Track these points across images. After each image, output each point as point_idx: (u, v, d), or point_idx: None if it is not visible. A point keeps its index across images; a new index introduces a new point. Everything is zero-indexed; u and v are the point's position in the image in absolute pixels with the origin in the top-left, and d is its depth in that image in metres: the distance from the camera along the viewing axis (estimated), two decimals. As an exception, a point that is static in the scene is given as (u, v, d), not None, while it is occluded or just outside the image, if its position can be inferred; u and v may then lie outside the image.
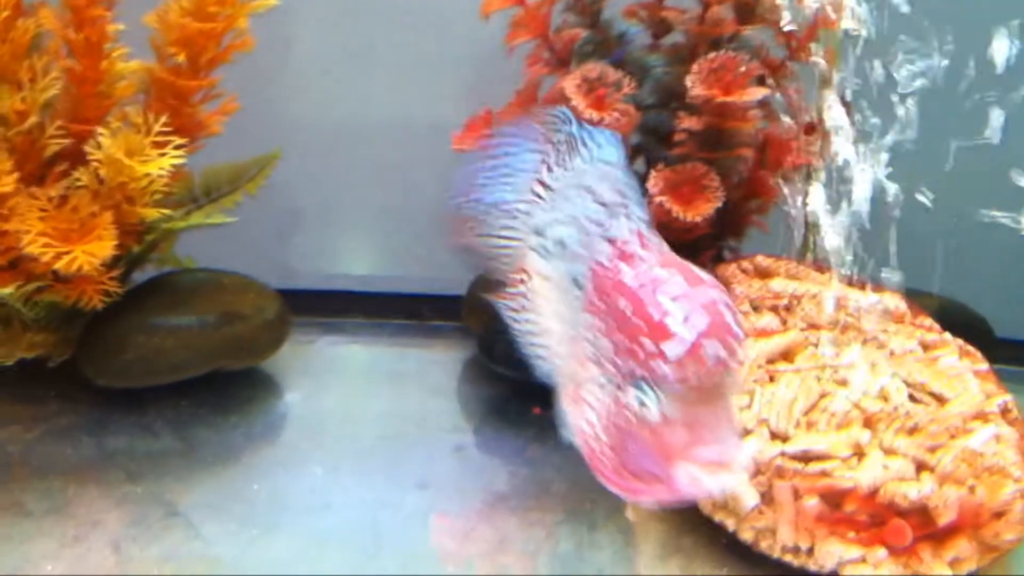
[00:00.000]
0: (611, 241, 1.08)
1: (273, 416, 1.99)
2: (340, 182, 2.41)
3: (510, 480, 1.85)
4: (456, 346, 2.26)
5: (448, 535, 1.69)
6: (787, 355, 1.80)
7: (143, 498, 1.71)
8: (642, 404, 0.95)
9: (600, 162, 1.12)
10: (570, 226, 1.13)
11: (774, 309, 1.90)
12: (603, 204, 1.10)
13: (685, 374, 0.94)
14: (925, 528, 1.58)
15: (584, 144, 1.14)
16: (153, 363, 1.93)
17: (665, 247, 1.06)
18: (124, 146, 1.71)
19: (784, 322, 1.86)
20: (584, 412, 1.02)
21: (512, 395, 2.08)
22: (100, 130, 1.72)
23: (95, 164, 1.72)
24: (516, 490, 1.83)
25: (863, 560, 1.56)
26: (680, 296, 0.97)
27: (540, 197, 1.19)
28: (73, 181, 1.75)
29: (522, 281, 1.25)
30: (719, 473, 0.94)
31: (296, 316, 2.15)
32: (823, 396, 1.69)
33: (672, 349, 0.95)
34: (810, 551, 1.57)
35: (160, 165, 1.71)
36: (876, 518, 1.57)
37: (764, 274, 2.01)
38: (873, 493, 1.57)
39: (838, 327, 1.84)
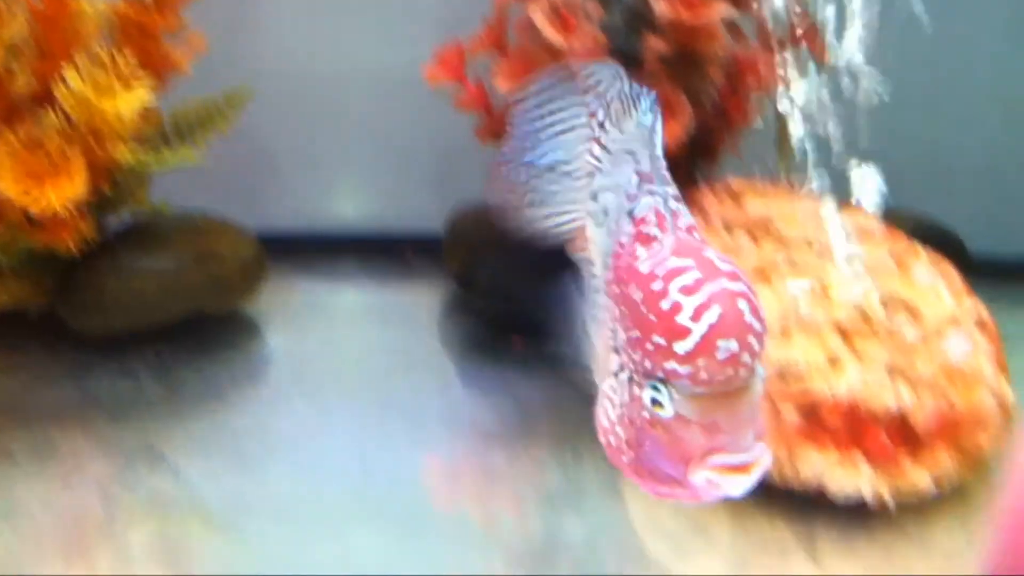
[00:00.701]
0: (633, 219, 1.00)
1: (255, 357, 2.00)
2: (317, 124, 2.40)
3: (495, 412, 1.86)
4: (438, 286, 2.26)
5: (434, 466, 1.70)
6: (762, 273, 1.81)
7: (127, 440, 1.71)
8: (656, 403, 0.90)
9: (642, 127, 1.04)
10: (614, 194, 1.04)
11: (748, 230, 1.91)
12: (640, 173, 1.01)
13: (697, 372, 0.87)
14: (903, 437, 1.59)
15: (633, 105, 1.05)
16: (131, 307, 1.93)
17: (684, 224, 0.97)
18: (92, 85, 1.70)
19: (758, 241, 1.86)
20: (604, 404, 0.95)
21: (494, 330, 2.09)
22: (67, 69, 1.71)
23: (63, 104, 1.71)
24: (501, 422, 1.85)
25: (842, 470, 1.58)
26: (693, 288, 0.89)
27: (597, 158, 1.09)
28: (42, 122, 1.75)
29: (584, 250, 1.12)
30: (737, 476, 0.88)
31: (275, 260, 2.15)
32: (798, 310, 1.70)
33: (682, 345, 0.88)
34: (789, 462, 1.58)
35: (129, 103, 1.70)
36: (854, 428, 1.59)
37: (738, 196, 2.01)
38: (850, 403, 1.58)
39: (811, 244, 1.85)
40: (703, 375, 0.87)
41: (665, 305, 0.90)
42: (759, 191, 2.03)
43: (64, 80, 1.73)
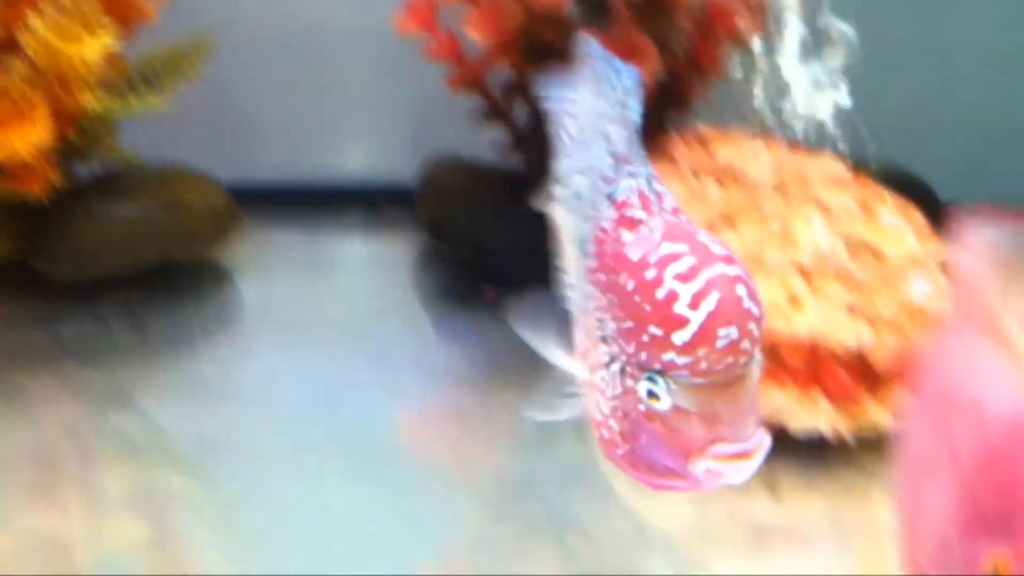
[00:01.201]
0: (613, 202, 0.94)
1: (226, 304, 2.01)
2: (291, 76, 2.41)
3: (466, 358, 1.88)
4: (411, 236, 2.27)
5: (404, 408, 1.72)
6: (728, 218, 1.82)
7: (96, 383, 1.73)
8: (652, 395, 0.85)
9: (619, 104, 0.97)
10: (587, 177, 0.97)
11: (716, 176, 1.92)
12: (615, 155, 0.95)
13: (697, 363, 0.83)
14: (863, 375, 1.61)
15: (609, 82, 0.98)
16: (100, 254, 1.95)
17: (670, 206, 0.92)
18: (57, 31, 1.70)
19: (725, 187, 1.88)
20: (594, 396, 0.90)
21: (465, 277, 2.10)
22: (32, 16, 1.71)
23: (28, 50, 1.72)
24: (472, 367, 1.87)
25: (802, 407, 1.59)
26: (689, 275, 0.83)
27: (562, 140, 1.04)
28: (7, 69, 1.75)
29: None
30: (739, 464, 0.84)
31: (249, 211, 2.16)
32: (761, 251, 1.71)
33: (680, 336, 0.82)
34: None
35: (94, 49, 1.71)
36: (814, 366, 1.60)
37: (707, 143, 2.02)
38: (811, 342, 1.60)
39: (778, 189, 1.86)
40: (703, 365, 0.83)
41: (660, 294, 0.84)
42: (729, 139, 2.04)
43: (29, 27, 1.73)
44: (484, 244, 2.14)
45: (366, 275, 2.13)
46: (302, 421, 1.67)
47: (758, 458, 0.85)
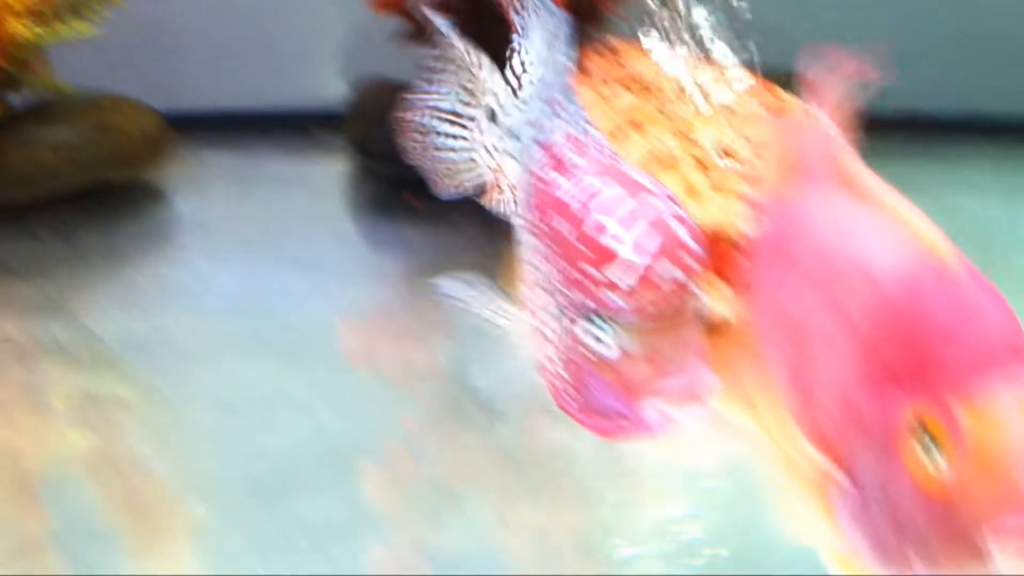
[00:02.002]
0: (545, 147, 0.91)
1: (159, 220, 2.08)
2: (222, 5, 2.46)
3: (389, 261, 1.96)
4: (341, 157, 2.34)
5: (324, 306, 1.79)
6: (635, 122, 1.90)
7: (31, 296, 1.79)
8: (597, 340, 0.82)
9: (555, 50, 0.94)
10: (534, 128, 0.94)
11: (625, 84, 1.99)
12: (549, 102, 0.91)
13: (640, 304, 0.80)
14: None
15: (543, 21, 0.95)
16: (33, 176, 2.01)
17: (603, 147, 0.89)
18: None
19: (634, 94, 1.95)
20: (544, 346, 0.88)
21: (391, 191, 2.17)
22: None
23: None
24: (394, 269, 1.94)
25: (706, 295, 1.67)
26: (624, 213, 0.81)
27: (514, 89, 0.98)
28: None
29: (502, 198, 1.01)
30: (688, 404, 0.82)
31: (182, 136, 2.22)
32: (664, 149, 1.79)
33: (622, 278, 0.80)
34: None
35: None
36: (714, 255, 1.68)
37: (619, 54, 2.09)
38: (711, 231, 1.67)
39: (684, 95, 1.93)
40: (645, 305, 0.80)
41: (596, 235, 0.81)
42: (639, 50, 2.10)
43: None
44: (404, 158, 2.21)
45: (298, 192, 2.20)
46: (230, 322, 1.74)
47: (707, 399, 0.83)
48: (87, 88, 2.19)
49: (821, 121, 0.90)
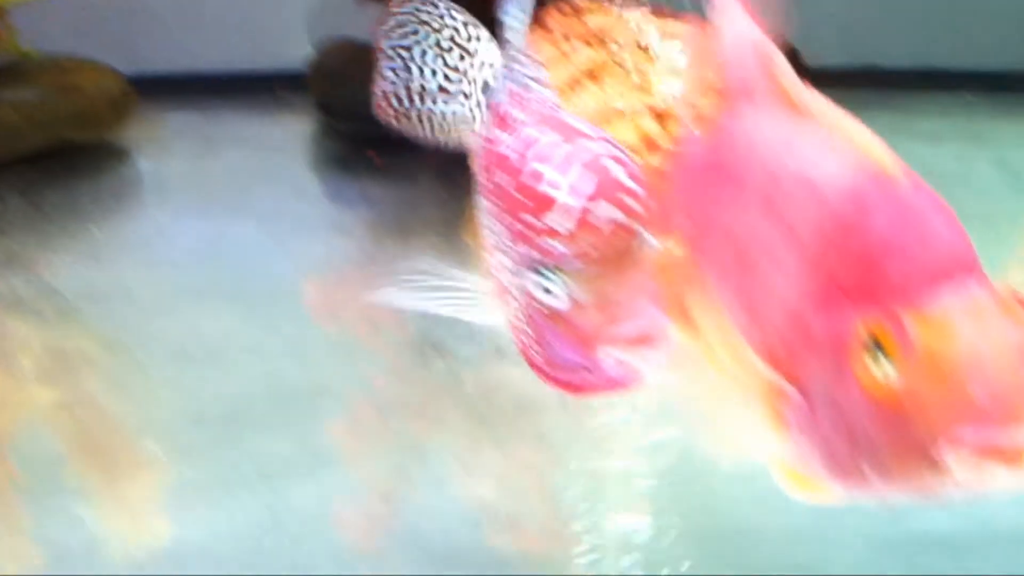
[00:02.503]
0: (491, 107, 0.91)
1: (119, 178, 2.10)
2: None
3: (348, 213, 1.98)
4: (304, 116, 2.36)
5: (282, 255, 1.81)
6: (592, 74, 1.92)
7: (-7, 249, 1.81)
8: (547, 292, 0.80)
9: (510, 14, 0.91)
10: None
11: (585, 40, 2.01)
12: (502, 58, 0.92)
13: (582, 248, 0.78)
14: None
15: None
16: (-4, 135, 2.03)
17: (545, 100, 0.88)
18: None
19: (593, 48, 1.97)
20: (510, 305, 0.87)
21: (352, 147, 2.19)
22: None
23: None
24: (354, 221, 1.96)
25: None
26: (559, 159, 0.79)
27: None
28: None
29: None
30: (644, 349, 0.79)
31: (147, 98, 2.24)
32: (620, 100, 1.81)
33: (561, 223, 0.78)
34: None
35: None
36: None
37: (580, 12, 2.10)
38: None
39: (640, 48, 1.95)
40: (587, 249, 0.78)
41: (537, 184, 0.80)
42: (600, 7, 2.12)
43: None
44: (369, 116, 2.23)
45: (261, 151, 2.21)
46: (189, 274, 1.76)
47: (664, 343, 0.80)
48: (53, 52, 2.20)
49: (753, 40, 0.89)
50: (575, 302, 0.79)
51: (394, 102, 1.04)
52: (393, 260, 1.82)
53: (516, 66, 0.91)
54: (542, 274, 0.80)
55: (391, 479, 1.32)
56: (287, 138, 2.27)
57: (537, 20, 2.11)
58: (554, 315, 0.81)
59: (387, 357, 1.57)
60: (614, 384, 0.82)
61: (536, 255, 0.80)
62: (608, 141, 0.81)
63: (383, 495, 1.30)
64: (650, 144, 1.73)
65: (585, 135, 0.81)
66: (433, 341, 1.57)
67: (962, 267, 0.72)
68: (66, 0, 2.25)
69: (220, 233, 1.87)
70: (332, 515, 1.26)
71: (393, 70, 1.03)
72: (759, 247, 0.82)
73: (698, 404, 0.86)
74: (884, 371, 0.71)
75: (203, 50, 2.52)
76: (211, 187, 2.04)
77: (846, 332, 0.73)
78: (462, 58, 1.00)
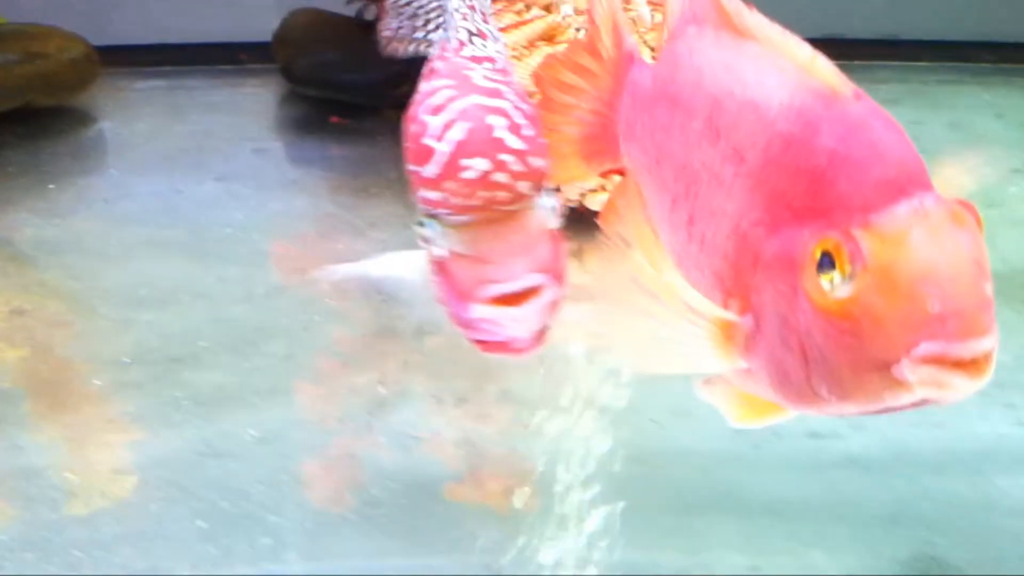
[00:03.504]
0: (428, 58, 0.90)
1: (82, 140, 2.11)
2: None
3: (306, 172, 2.00)
4: (270, 83, 2.37)
5: (246, 213, 1.83)
6: (548, 37, 1.95)
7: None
8: (428, 241, 0.79)
9: None
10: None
11: (544, 6, 2.05)
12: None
13: (447, 196, 0.77)
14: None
15: None
16: (-42, 99, 2.05)
17: (480, 55, 0.87)
18: None
19: (549, 11, 2.01)
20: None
21: (316, 112, 2.21)
22: None
23: None
24: (311, 179, 1.99)
25: (602, 188, 1.73)
26: (440, 107, 0.78)
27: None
28: None
29: None
30: (514, 310, 0.77)
31: (113, 66, 2.26)
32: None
33: (430, 169, 0.77)
34: (556, 189, 1.73)
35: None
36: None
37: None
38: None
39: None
40: (455, 199, 0.77)
41: (414, 128, 0.79)
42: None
43: None
44: (328, 80, 2.26)
45: (225, 115, 2.23)
46: (144, 227, 1.78)
47: (537, 307, 0.78)
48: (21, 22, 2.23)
49: None
50: (453, 253, 0.79)
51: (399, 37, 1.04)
52: (348, 215, 1.85)
53: (459, 20, 0.90)
54: (423, 223, 0.80)
55: (324, 409, 1.34)
56: (251, 104, 2.29)
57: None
58: (438, 264, 0.80)
59: (337, 303, 1.59)
60: (487, 343, 0.81)
61: (421, 205, 0.80)
62: (509, 96, 0.79)
63: (315, 422, 1.32)
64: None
65: (484, 91, 0.80)
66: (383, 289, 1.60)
67: (913, 182, 0.71)
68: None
69: (178, 190, 1.90)
70: (267, 442, 1.28)
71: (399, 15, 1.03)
72: (705, 172, 0.81)
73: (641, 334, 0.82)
74: (838, 287, 0.69)
75: (171, 21, 2.54)
76: (172, 148, 2.06)
77: (796, 250, 0.72)
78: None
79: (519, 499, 1.23)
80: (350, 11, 2.34)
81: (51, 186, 1.91)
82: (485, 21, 0.92)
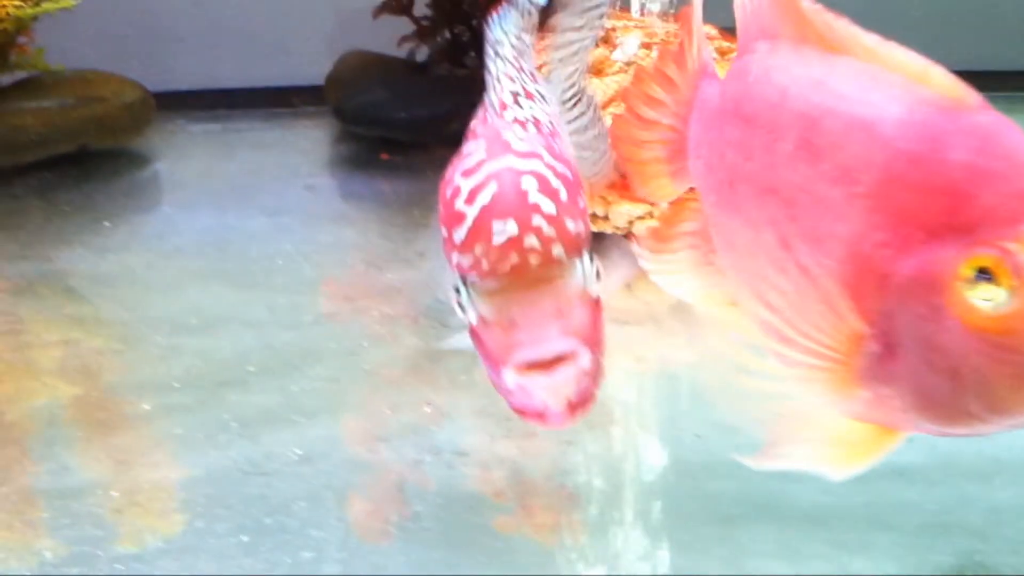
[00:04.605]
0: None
1: (136, 180, 2.16)
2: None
3: (354, 206, 2.03)
4: (322, 124, 2.42)
5: (294, 244, 1.86)
6: (597, 70, 1.98)
7: (2, 237, 1.88)
8: (461, 307, 0.77)
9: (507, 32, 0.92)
10: None
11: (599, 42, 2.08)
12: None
13: (477, 261, 0.73)
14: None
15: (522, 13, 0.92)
16: (15, 140, 2.10)
17: (519, 113, 0.85)
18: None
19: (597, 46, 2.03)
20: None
21: (366, 150, 2.25)
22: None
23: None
24: (359, 213, 2.01)
25: (650, 215, 1.73)
26: (473, 169, 0.75)
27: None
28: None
29: None
30: (546, 378, 0.74)
31: (168, 110, 2.31)
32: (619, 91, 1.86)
33: (459, 233, 0.74)
34: (605, 217, 1.75)
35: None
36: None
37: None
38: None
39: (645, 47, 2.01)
40: (484, 264, 0.73)
41: (447, 191, 0.76)
42: (612, 14, 2.19)
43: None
44: (379, 119, 2.30)
45: (276, 154, 2.27)
46: (194, 259, 1.81)
47: (571, 375, 0.75)
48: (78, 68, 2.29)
49: None
50: (483, 319, 0.76)
51: None
52: (397, 247, 1.87)
53: (505, 82, 0.88)
54: (457, 289, 0.77)
55: (369, 429, 1.35)
56: (303, 143, 2.33)
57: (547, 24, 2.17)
58: (474, 331, 0.77)
59: (380, 328, 1.60)
60: (525, 410, 0.77)
61: (453, 270, 0.76)
62: (545, 158, 0.76)
63: (360, 441, 1.33)
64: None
65: (518, 151, 0.76)
66: (427, 312, 1.61)
67: None
68: (92, 21, 2.33)
69: (229, 225, 1.92)
70: (311, 461, 1.29)
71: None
72: (803, 195, 0.76)
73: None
74: (996, 302, 0.67)
75: (224, 67, 2.59)
76: (225, 186, 2.10)
77: (939, 269, 0.68)
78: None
79: (564, 515, 1.23)
80: (401, 52, 2.38)
81: (106, 223, 1.95)
82: (534, 81, 0.90)
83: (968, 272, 0.67)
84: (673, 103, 0.94)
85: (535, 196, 0.74)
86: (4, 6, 1.98)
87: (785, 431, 0.80)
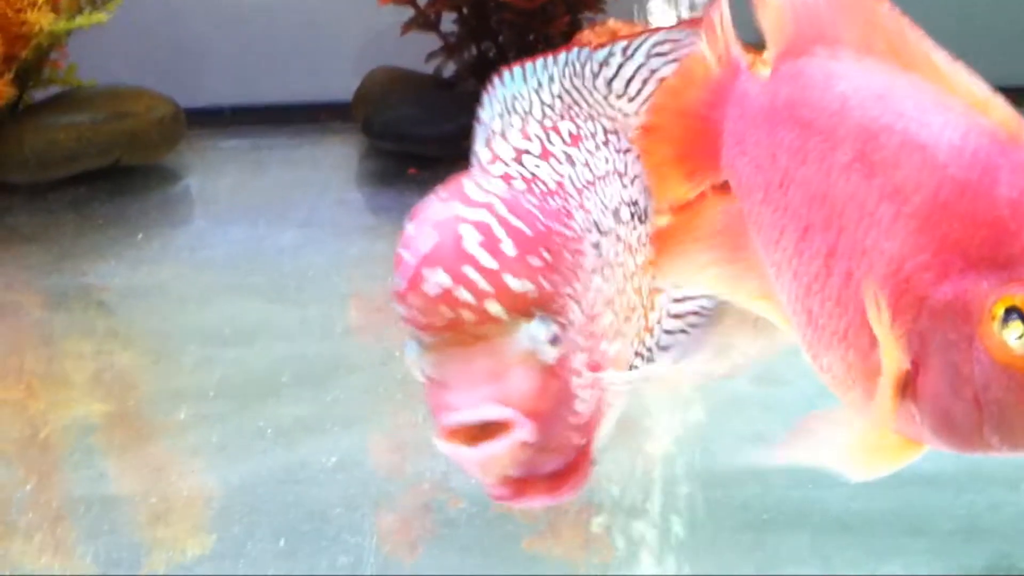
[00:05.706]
0: None
1: (168, 195, 2.19)
2: (246, 10, 2.59)
3: (383, 219, 2.05)
4: (349, 140, 2.44)
5: (319, 255, 1.88)
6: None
7: (37, 250, 1.91)
8: (411, 360, 0.72)
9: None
10: None
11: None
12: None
13: (410, 311, 0.69)
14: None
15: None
16: (48, 155, 2.13)
17: (509, 169, 0.80)
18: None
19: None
20: None
21: (394, 165, 2.27)
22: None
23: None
24: (389, 226, 2.03)
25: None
26: (420, 215, 0.73)
27: None
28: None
29: None
30: (472, 448, 0.68)
31: (200, 126, 2.34)
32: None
33: (399, 280, 0.70)
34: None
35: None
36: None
37: (615, 33, 2.18)
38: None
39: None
40: (417, 315, 0.69)
41: (402, 246, 0.72)
42: (634, 29, 2.19)
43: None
44: (406, 134, 2.32)
45: (307, 170, 2.30)
46: (226, 271, 1.83)
47: (500, 446, 0.68)
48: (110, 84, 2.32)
49: None
50: (425, 375, 0.70)
51: None
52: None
53: (497, 140, 0.83)
54: (409, 343, 0.72)
55: (402, 438, 1.37)
56: (331, 159, 2.36)
57: (575, 41, 2.18)
58: (423, 384, 0.72)
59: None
60: (465, 469, 0.70)
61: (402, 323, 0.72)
62: (498, 213, 0.70)
63: (393, 450, 1.35)
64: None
65: (470, 200, 0.72)
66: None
67: None
68: (124, 37, 2.36)
69: (260, 238, 1.95)
70: (346, 468, 1.30)
71: None
72: (855, 206, 0.75)
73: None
74: None
75: (254, 84, 2.62)
76: (256, 200, 2.13)
77: (974, 301, 0.68)
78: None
79: (597, 521, 1.24)
80: (428, 69, 2.41)
81: (139, 235, 1.98)
82: (550, 142, 0.83)
83: (999, 310, 0.67)
84: (695, 102, 0.91)
85: (473, 248, 0.69)
86: (38, 21, 2.01)
87: (811, 428, 0.80)
